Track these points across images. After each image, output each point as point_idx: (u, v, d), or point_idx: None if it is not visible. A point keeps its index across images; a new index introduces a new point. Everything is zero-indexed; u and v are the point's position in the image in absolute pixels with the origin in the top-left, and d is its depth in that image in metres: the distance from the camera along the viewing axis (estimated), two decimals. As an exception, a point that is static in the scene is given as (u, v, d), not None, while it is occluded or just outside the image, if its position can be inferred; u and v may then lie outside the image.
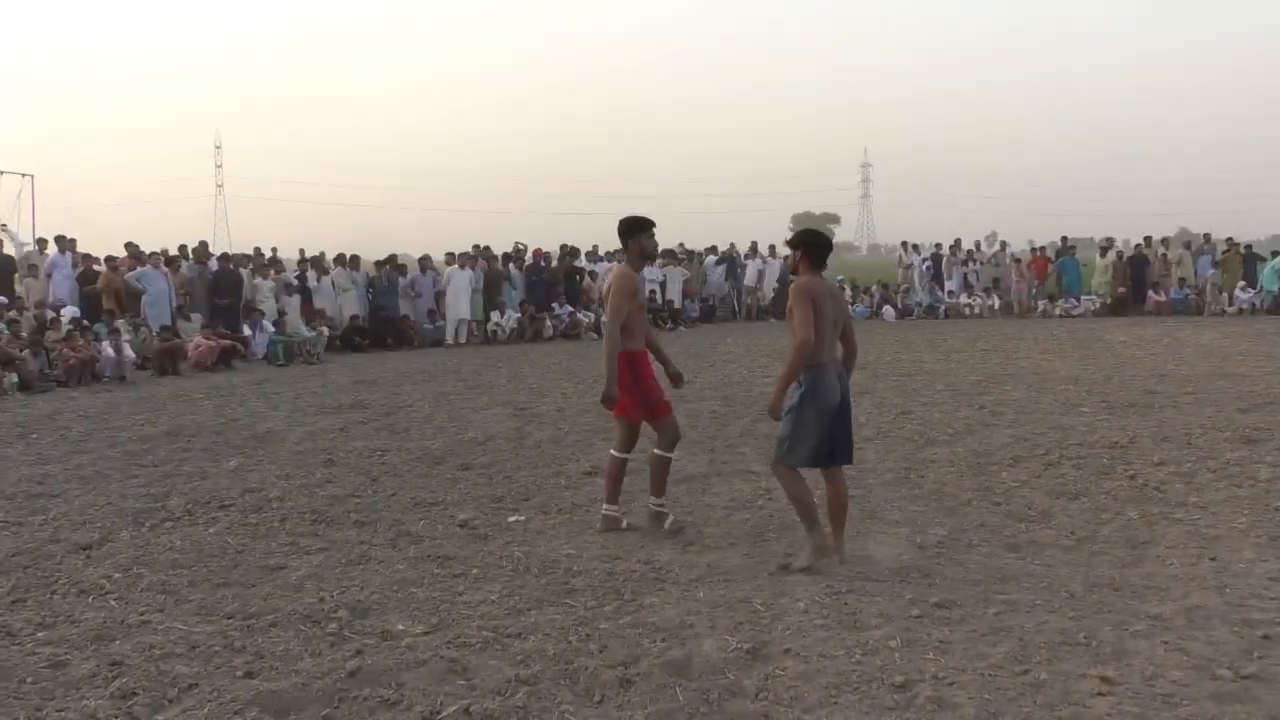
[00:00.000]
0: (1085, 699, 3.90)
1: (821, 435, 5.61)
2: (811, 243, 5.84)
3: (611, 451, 6.58)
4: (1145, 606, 4.90)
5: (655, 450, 6.53)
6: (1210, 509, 6.66)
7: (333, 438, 10.03)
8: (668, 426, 6.48)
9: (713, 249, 27.60)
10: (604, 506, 6.60)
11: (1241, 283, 24.78)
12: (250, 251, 21.76)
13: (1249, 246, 27.17)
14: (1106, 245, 27.49)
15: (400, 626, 4.83)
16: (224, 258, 20.46)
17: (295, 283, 20.02)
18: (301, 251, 22.72)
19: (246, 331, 18.06)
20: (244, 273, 19.61)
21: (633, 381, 6.37)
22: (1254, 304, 24.16)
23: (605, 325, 6.37)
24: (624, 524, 6.55)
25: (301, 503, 7.33)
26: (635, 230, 6.46)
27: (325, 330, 18.90)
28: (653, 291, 23.90)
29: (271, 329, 18.09)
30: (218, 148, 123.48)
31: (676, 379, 6.73)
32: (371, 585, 5.46)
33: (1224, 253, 26.21)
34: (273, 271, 19.95)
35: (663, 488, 6.56)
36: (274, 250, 22.16)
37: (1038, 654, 4.32)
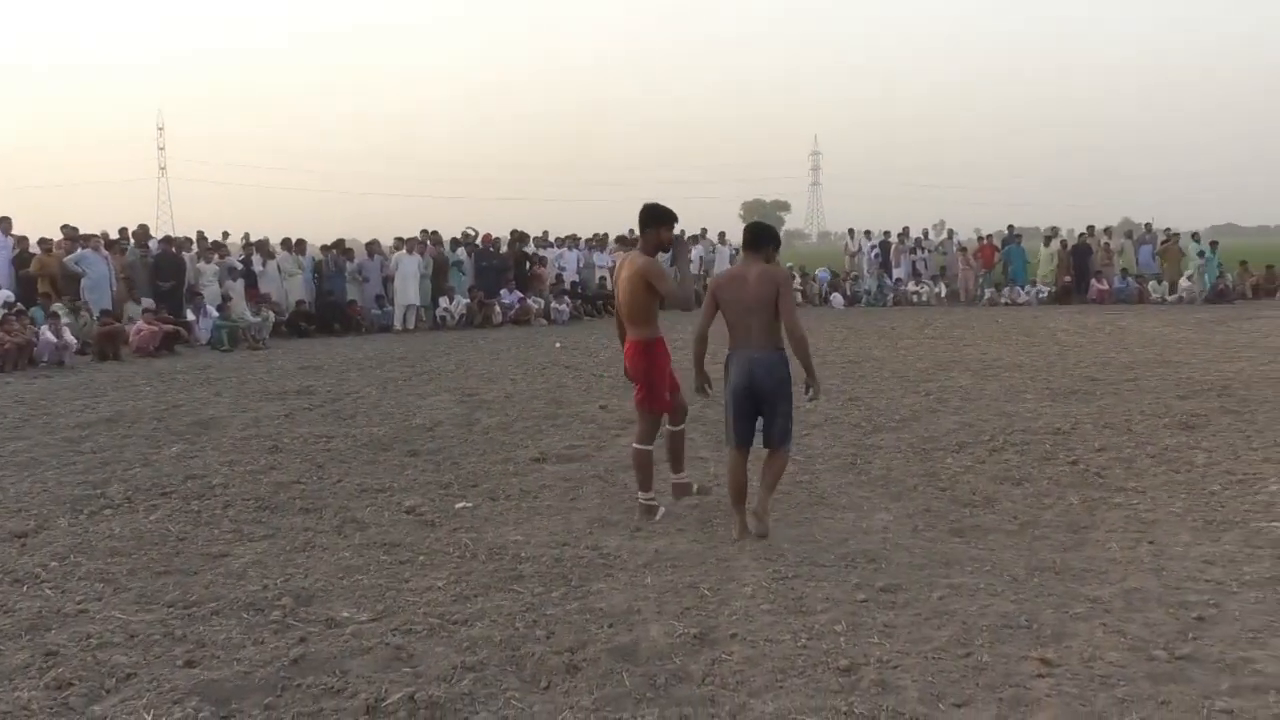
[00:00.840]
0: (1026, 681, 3.95)
1: (734, 416, 5.99)
2: (746, 230, 6.23)
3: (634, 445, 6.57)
4: (1085, 589, 4.97)
5: (636, 445, 6.54)
6: (1149, 494, 6.78)
7: (278, 424, 9.90)
8: (653, 420, 6.51)
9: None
10: (640, 496, 6.52)
11: (1189, 272, 25.23)
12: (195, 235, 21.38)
13: (1176, 236, 27.57)
14: (1050, 234, 27.86)
15: (345, 614, 4.78)
16: (166, 240, 20.10)
17: (240, 266, 19.72)
18: (246, 235, 22.41)
19: (190, 316, 17.78)
20: (187, 256, 19.29)
21: (648, 367, 6.40)
22: (1194, 293, 24.60)
23: (674, 298, 6.26)
24: (660, 513, 6.45)
25: (245, 489, 7.23)
26: (658, 220, 6.29)
27: (270, 315, 18.64)
28: (602, 278, 23.86)
29: (215, 314, 17.81)
30: (160, 130, 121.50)
31: None
32: (316, 572, 5.40)
33: (1163, 243, 26.68)
34: (216, 255, 19.62)
35: (669, 471, 6.67)
36: (225, 235, 21.84)
37: (980, 637, 4.37)
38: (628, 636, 4.44)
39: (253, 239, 21.80)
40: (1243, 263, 26.44)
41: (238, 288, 19.07)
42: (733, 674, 4.06)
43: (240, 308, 18.43)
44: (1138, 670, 4.02)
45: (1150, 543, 5.73)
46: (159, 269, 18.55)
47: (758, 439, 6.05)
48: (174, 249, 19.33)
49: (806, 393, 6.05)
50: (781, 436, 5.95)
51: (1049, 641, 4.33)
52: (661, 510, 6.45)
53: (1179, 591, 4.92)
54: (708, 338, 6.13)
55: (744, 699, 3.85)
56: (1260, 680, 3.90)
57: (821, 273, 28.42)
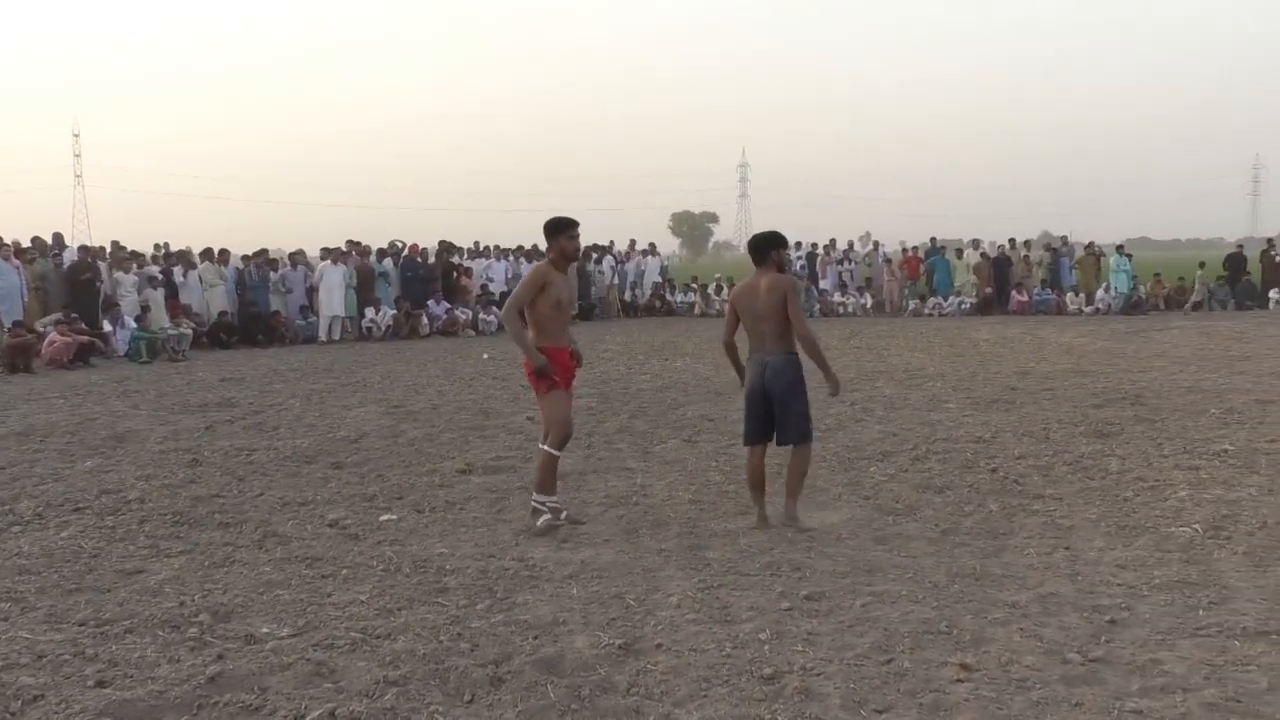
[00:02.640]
0: (945, 686, 4.01)
1: (748, 416, 6.48)
2: (748, 245, 6.68)
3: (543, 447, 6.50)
4: (1003, 595, 5.07)
5: (542, 446, 6.49)
6: (1065, 500, 6.94)
7: (197, 437, 9.70)
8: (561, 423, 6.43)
9: (594, 246, 27.55)
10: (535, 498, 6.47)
11: (1107, 283, 25.93)
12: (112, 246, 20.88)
13: (1092, 247, 28.29)
14: (965, 247, 28.38)
15: (265, 629, 4.69)
16: (83, 250, 19.61)
17: (160, 277, 19.31)
18: (165, 245, 21.95)
19: (106, 327, 17.33)
20: (103, 266, 18.83)
21: (531, 377, 6.42)
22: (1110, 304, 25.28)
23: (506, 309, 6.46)
24: (563, 515, 6.45)
25: (163, 504, 7.07)
26: (557, 230, 6.42)
27: (189, 326, 18.24)
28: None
29: (133, 325, 17.39)
30: (76, 137, 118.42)
31: (576, 357, 6.71)
32: (236, 588, 5.30)
33: (1079, 258, 27.35)
34: (134, 265, 19.18)
35: (546, 485, 6.47)
36: (156, 246, 21.45)
37: (902, 643, 4.43)
38: (553, 648, 4.42)
39: (173, 249, 21.39)
40: (1156, 274, 27.22)
41: (158, 297, 18.66)
42: (657, 684, 4.06)
43: (160, 318, 18.03)
44: (1052, 673, 4.11)
45: (1066, 548, 5.86)
46: (74, 279, 18.08)
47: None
48: (90, 258, 18.85)
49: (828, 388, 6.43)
50: (798, 435, 6.35)
51: (968, 646, 4.40)
52: (546, 518, 6.33)
53: (1093, 595, 5.04)
54: (733, 344, 6.59)
55: (668, 709, 3.86)
56: (1168, 681, 4.01)
57: None
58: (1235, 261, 27.06)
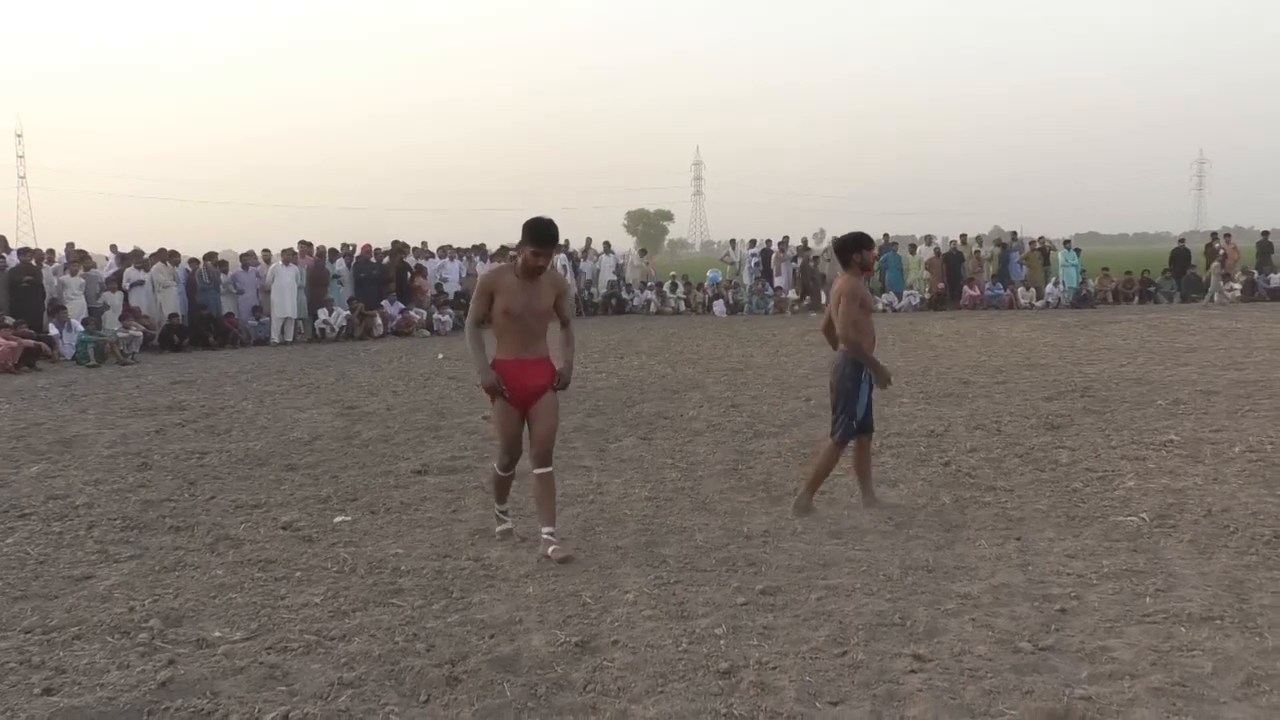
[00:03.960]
0: (899, 676, 4.05)
1: None
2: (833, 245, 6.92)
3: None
4: (956, 586, 5.13)
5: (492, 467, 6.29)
6: (1016, 492, 7.03)
7: (147, 440, 9.56)
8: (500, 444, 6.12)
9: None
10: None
11: (1056, 278, 26.32)
12: (63, 248, 20.54)
13: (1040, 243, 28.75)
14: (917, 243, 28.68)
15: (217, 633, 4.64)
16: (23, 253, 19.25)
17: (105, 277, 19.03)
18: (113, 247, 21.63)
19: (52, 331, 17.03)
20: (49, 269, 18.52)
21: None
22: (1059, 298, 25.67)
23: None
24: (505, 527, 6.22)
25: (112, 509, 6.96)
26: (527, 240, 5.67)
27: (138, 328, 17.97)
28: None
29: (81, 328, 17.11)
30: (19, 136, 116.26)
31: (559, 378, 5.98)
32: (187, 592, 5.23)
33: (1025, 254, 27.73)
34: (81, 268, 18.87)
35: (496, 494, 6.29)
36: (113, 248, 21.22)
37: (856, 636, 4.47)
38: (509, 647, 4.42)
39: (121, 250, 21.11)
40: (1104, 269, 27.66)
41: (116, 300, 18.41)
42: (614, 680, 4.07)
43: (114, 320, 17.78)
44: (1004, 662, 4.17)
45: (1017, 539, 5.93)
46: (14, 283, 17.76)
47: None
48: (31, 261, 18.53)
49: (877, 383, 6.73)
50: (833, 425, 6.68)
51: (921, 638, 4.45)
52: (504, 526, 6.21)
53: (1043, 585, 5.11)
54: (828, 330, 6.98)
55: (625, 705, 3.86)
56: (1116, 667, 4.08)
57: (713, 274, 28.83)
58: (1179, 255, 27.58)
